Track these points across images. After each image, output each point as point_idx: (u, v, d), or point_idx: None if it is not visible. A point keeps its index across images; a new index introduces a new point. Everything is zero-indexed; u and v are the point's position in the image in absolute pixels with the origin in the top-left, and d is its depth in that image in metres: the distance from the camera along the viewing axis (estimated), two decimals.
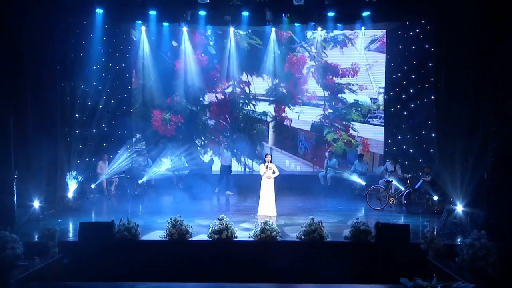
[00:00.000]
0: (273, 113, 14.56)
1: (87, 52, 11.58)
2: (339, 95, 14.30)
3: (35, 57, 9.16)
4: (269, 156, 9.86)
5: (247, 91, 14.54)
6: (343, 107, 14.31)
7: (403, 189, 10.55)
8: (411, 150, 12.43)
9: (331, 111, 14.35)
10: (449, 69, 9.21)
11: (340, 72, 14.22)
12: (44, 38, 9.45)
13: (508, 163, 7.55)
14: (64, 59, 10.40)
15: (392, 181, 10.86)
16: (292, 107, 14.50)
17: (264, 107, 14.56)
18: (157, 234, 7.68)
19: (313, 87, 14.38)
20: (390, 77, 13.53)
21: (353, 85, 14.18)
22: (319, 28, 13.24)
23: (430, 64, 11.64)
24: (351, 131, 14.30)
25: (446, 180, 8.99)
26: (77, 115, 11.18)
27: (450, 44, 9.19)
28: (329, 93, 14.34)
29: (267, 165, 9.63)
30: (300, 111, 14.47)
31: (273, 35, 13.68)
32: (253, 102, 14.54)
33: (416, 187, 10.39)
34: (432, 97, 11.25)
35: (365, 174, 12.52)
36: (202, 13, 11.59)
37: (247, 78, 14.51)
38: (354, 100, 14.21)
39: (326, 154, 13.53)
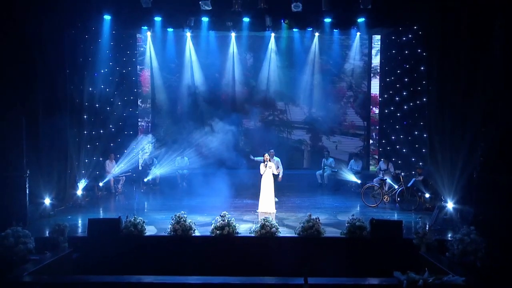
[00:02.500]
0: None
1: (95, 57, 11.84)
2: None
3: (47, 62, 9.45)
4: (267, 155, 10.02)
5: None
6: None
7: (396, 187, 10.81)
8: (404, 150, 12.66)
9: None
10: (440, 72, 9.46)
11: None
12: (54, 43, 9.75)
13: (496, 162, 7.78)
14: (73, 63, 10.69)
15: (386, 179, 11.13)
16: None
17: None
18: (161, 230, 7.91)
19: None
20: (384, 80, 13.74)
21: None
22: (316, 34, 13.50)
23: (422, 68, 11.88)
24: None
25: (437, 178, 9.20)
26: (85, 117, 11.41)
27: (441, 49, 9.41)
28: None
29: (266, 164, 9.86)
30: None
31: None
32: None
33: (409, 185, 10.62)
34: (424, 99, 11.55)
35: (360, 173, 12.77)
36: (205, 19, 11.89)
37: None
38: None
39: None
